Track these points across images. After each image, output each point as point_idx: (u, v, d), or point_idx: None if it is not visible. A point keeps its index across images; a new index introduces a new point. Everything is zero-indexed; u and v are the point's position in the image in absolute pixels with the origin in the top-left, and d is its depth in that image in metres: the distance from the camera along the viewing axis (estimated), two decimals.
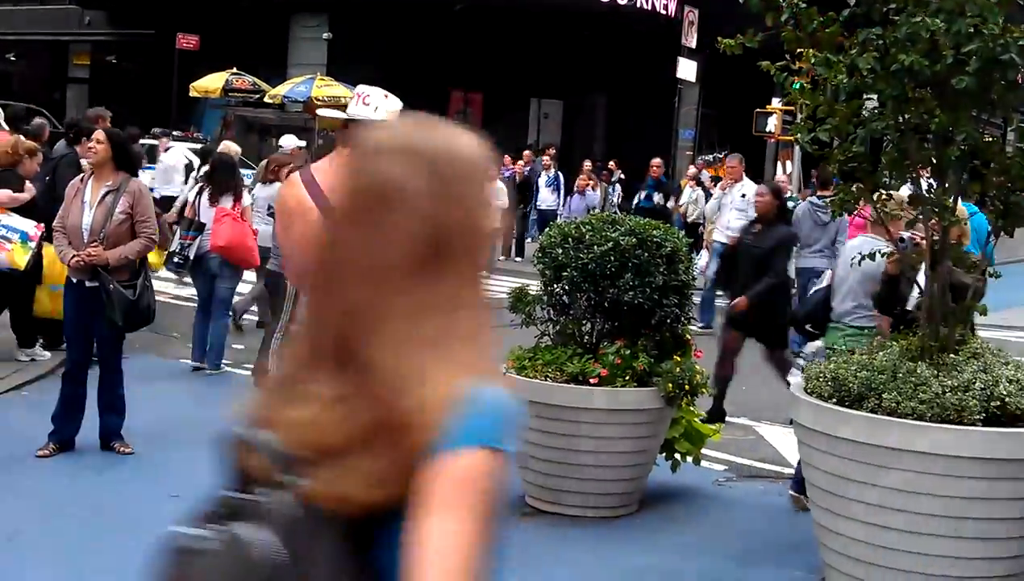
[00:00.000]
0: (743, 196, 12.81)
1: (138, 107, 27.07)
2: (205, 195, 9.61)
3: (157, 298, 7.38)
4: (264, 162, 12.40)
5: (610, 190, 19.79)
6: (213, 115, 28.85)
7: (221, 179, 9.68)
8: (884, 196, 5.75)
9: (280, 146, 14.19)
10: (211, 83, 26.51)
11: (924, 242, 6.11)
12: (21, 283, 8.80)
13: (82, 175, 7.31)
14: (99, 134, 7.11)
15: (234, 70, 26.62)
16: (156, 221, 7.17)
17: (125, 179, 7.01)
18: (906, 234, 7.02)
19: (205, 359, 9.57)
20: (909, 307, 6.94)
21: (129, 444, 7.12)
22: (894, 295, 7.08)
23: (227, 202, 9.45)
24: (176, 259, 9.57)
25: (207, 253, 9.44)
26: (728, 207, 13.24)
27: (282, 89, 25.87)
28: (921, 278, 6.98)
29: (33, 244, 8.37)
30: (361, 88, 4.89)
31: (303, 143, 14.56)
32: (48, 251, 8.60)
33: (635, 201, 18.58)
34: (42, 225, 8.28)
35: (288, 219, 4.75)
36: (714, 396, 8.18)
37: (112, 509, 6.10)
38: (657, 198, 18.13)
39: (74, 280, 6.95)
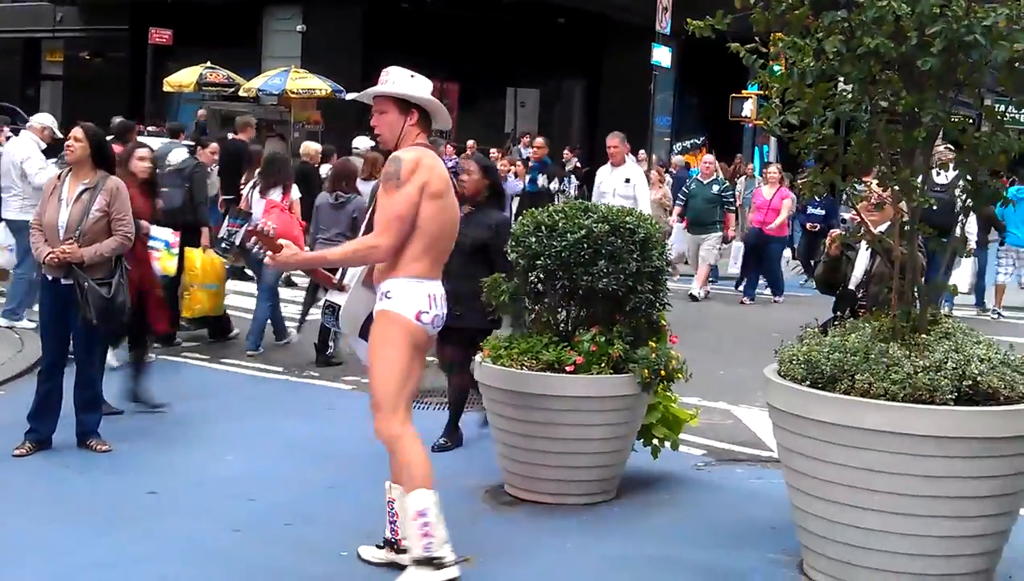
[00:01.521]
0: (627, 181, 12.10)
1: (112, 103, 26.94)
2: (257, 189, 10.51)
3: None
4: (361, 161, 13.87)
5: (566, 182, 18.76)
6: (188, 110, 28.73)
7: (271, 174, 10.55)
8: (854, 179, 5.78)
9: (356, 147, 15.94)
10: (185, 78, 26.41)
11: (863, 222, 6.15)
12: (169, 289, 9.49)
13: (59, 172, 7.30)
14: (76, 132, 7.12)
15: (208, 64, 26.52)
16: (133, 219, 7.18)
17: (103, 177, 7.04)
18: (847, 215, 7.08)
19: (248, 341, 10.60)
20: (851, 286, 7.02)
21: (106, 441, 7.12)
22: (836, 275, 7.16)
23: (276, 195, 10.28)
24: (223, 245, 10.70)
25: None
26: (609, 193, 11.93)
27: (256, 82, 25.75)
28: (861, 258, 7.05)
29: (175, 250, 8.80)
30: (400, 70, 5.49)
31: (374, 143, 15.01)
32: (190, 254, 10.13)
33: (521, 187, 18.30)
34: (178, 232, 8.92)
35: (445, 194, 5.11)
36: None
37: (90, 507, 6.08)
38: (541, 181, 17.63)
39: (49, 277, 6.94)
